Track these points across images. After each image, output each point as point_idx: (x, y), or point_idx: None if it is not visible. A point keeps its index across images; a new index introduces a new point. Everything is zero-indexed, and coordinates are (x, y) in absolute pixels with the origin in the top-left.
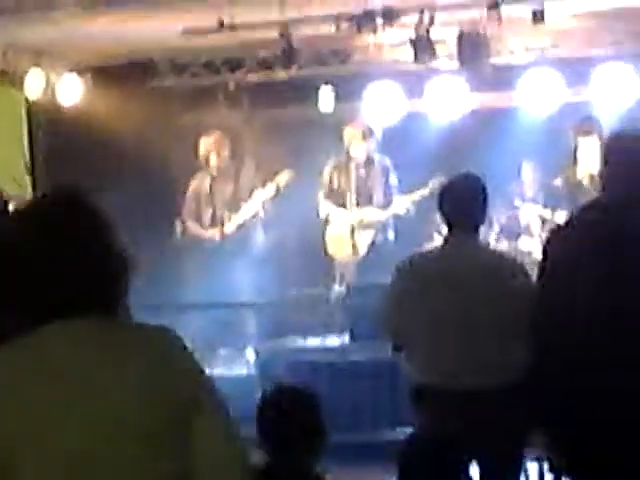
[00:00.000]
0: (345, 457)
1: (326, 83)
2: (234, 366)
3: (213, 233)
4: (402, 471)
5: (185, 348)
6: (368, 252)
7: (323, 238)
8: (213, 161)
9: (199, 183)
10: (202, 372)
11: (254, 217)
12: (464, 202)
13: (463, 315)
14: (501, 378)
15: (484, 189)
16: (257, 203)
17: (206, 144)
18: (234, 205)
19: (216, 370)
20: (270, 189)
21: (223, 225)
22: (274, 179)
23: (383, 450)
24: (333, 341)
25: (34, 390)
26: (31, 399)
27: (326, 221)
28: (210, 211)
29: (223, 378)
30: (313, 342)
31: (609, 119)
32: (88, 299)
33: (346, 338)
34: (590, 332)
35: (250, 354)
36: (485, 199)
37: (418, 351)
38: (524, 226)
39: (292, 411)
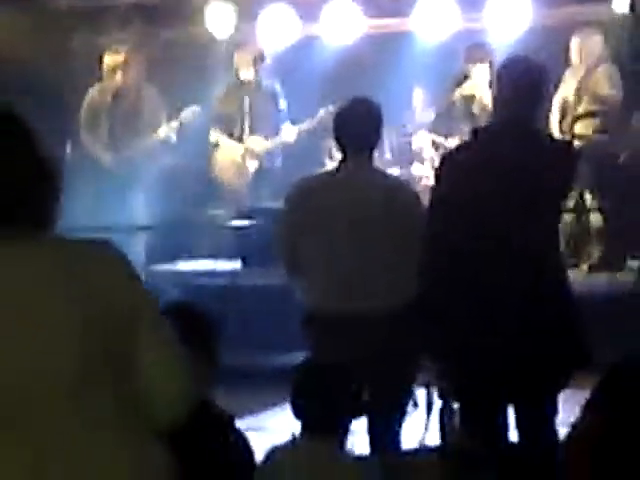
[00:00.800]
0: (233, 382)
1: (219, 3)
2: None
3: (108, 156)
4: (295, 398)
5: (126, 261)
6: (256, 178)
7: (212, 163)
8: (119, 77)
9: (99, 95)
10: (142, 284)
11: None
12: (360, 125)
13: (357, 241)
14: (391, 303)
15: (379, 113)
16: (159, 136)
17: (113, 59)
18: (133, 128)
19: None
20: (173, 126)
21: (120, 146)
22: (176, 113)
23: (272, 376)
24: (224, 265)
25: None
26: None
27: (215, 147)
28: (108, 126)
29: None
30: (204, 266)
31: (502, 46)
32: (17, 211)
33: (237, 263)
34: (481, 256)
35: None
36: (380, 123)
37: (312, 278)
38: (416, 152)
39: (183, 329)
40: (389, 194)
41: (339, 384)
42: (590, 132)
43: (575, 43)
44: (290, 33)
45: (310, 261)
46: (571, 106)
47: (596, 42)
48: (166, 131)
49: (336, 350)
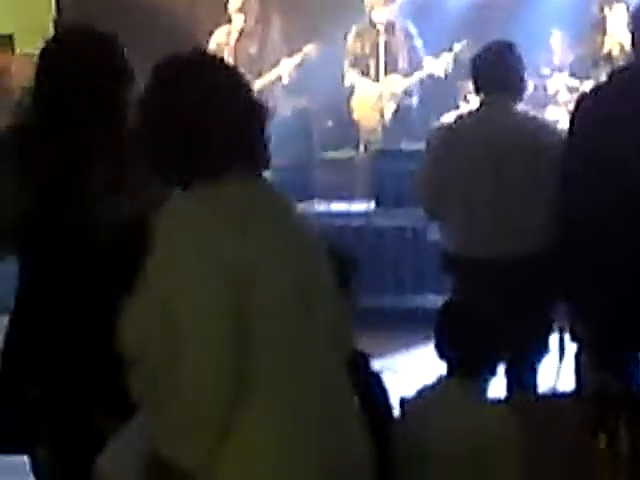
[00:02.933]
0: (367, 323)
1: None
2: None
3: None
4: (437, 339)
5: None
6: (393, 118)
7: (349, 104)
8: (240, 19)
9: (222, 38)
10: None
11: (277, 82)
12: (497, 67)
13: (499, 185)
14: (533, 247)
15: (518, 55)
16: (282, 71)
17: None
18: (257, 68)
19: None
20: (296, 60)
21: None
22: (301, 49)
23: (406, 317)
24: (359, 206)
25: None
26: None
27: (351, 89)
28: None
29: None
30: (338, 206)
31: None
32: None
33: (372, 204)
34: (622, 198)
35: None
36: (519, 66)
37: (455, 221)
38: (551, 95)
39: None
40: (531, 137)
41: (482, 324)
42: None
43: None
44: None
45: (453, 204)
46: None
47: None
48: (288, 66)
49: (478, 292)
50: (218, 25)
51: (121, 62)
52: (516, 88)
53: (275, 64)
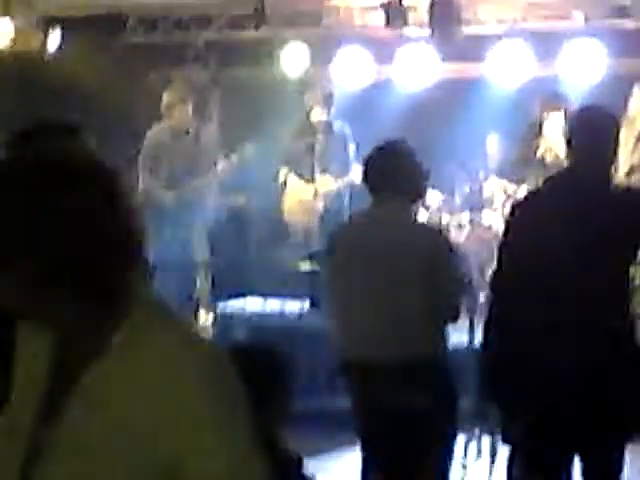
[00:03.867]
0: (300, 424)
1: (295, 44)
2: None
3: (170, 195)
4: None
5: None
6: (324, 219)
7: (280, 203)
8: (177, 114)
9: (158, 136)
10: None
11: (213, 181)
12: (383, 169)
13: (381, 291)
14: (421, 353)
15: (408, 156)
16: (218, 172)
17: (170, 96)
18: (193, 166)
19: None
20: (233, 160)
21: (180, 186)
22: (237, 150)
23: (339, 418)
24: (292, 306)
25: None
26: None
27: (284, 186)
28: (168, 168)
29: None
30: (272, 305)
31: (577, 94)
32: None
33: (306, 304)
34: (549, 304)
35: (206, 318)
36: (409, 167)
37: (340, 323)
38: (487, 199)
39: (255, 370)
40: (412, 239)
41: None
42: None
43: (636, 93)
44: (364, 75)
45: (338, 306)
46: (627, 156)
47: None
48: (225, 166)
49: (372, 398)
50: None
51: None
52: (406, 189)
53: (211, 164)
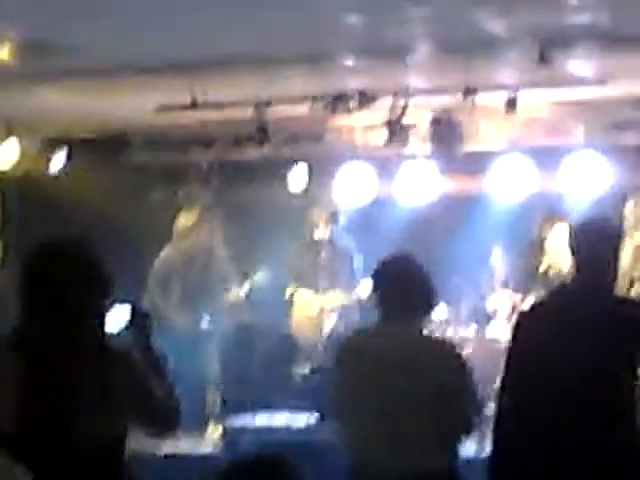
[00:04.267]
0: None
1: (297, 163)
2: (200, 444)
3: (181, 317)
4: None
5: None
6: (333, 334)
7: (289, 319)
8: (192, 238)
9: (172, 256)
10: None
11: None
12: (395, 285)
13: (388, 404)
14: (434, 467)
15: (419, 272)
16: (231, 299)
17: (186, 218)
18: (205, 289)
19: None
20: (245, 288)
21: (191, 308)
22: (249, 277)
23: None
24: (301, 420)
25: None
26: None
27: (291, 303)
28: (180, 287)
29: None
30: (281, 421)
31: (579, 207)
32: None
33: (313, 418)
34: (556, 418)
35: (215, 432)
36: (419, 282)
37: (349, 438)
38: (492, 311)
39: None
40: (424, 359)
41: None
42: None
43: (629, 206)
44: (367, 191)
45: (347, 421)
46: (627, 269)
47: None
48: (237, 294)
49: None
50: (159, 245)
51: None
52: (416, 303)
53: (223, 288)
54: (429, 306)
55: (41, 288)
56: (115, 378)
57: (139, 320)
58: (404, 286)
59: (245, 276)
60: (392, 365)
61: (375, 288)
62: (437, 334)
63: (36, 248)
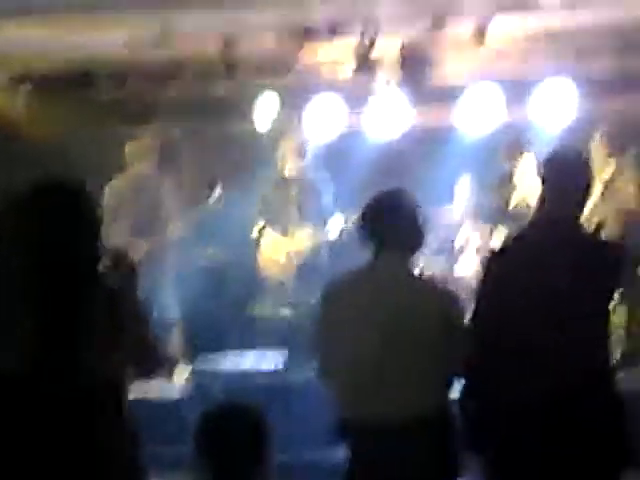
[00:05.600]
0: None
1: (266, 95)
2: (168, 388)
3: (135, 246)
4: None
5: None
6: (302, 272)
7: (256, 256)
8: (139, 166)
9: (119, 187)
10: None
11: (181, 233)
12: (388, 221)
13: (384, 346)
14: (424, 410)
15: (413, 207)
16: (186, 221)
17: (134, 147)
18: (157, 217)
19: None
20: (202, 207)
21: (145, 238)
22: (206, 196)
23: (324, 471)
24: (270, 359)
25: None
26: None
27: (259, 240)
28: (132, 219)
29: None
30: (251, 361)
31: (548, 138)
32: None
33: (282, 357)
34: (526, 355)
35: (183, 374)
36: (413, 218)
37: (340, 383)
38: (460, 246)
39: (236, 431)
40: (419, 298)
41: None
42: (615, 230)
43: (595, 141)
44: (336, 123)
45: (337, 365)
46: (593, 207)
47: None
48: (192, 213)
49: (373, 460)
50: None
51: None
52: (409, 241)
53: (177, 211)
54: (419, 243)
55: (36, 223)
56: (111, 314)
57: (122, 263)
58: (398, 223)
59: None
60: (388, 307)
61: (366, 224)
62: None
63: (34, 186)
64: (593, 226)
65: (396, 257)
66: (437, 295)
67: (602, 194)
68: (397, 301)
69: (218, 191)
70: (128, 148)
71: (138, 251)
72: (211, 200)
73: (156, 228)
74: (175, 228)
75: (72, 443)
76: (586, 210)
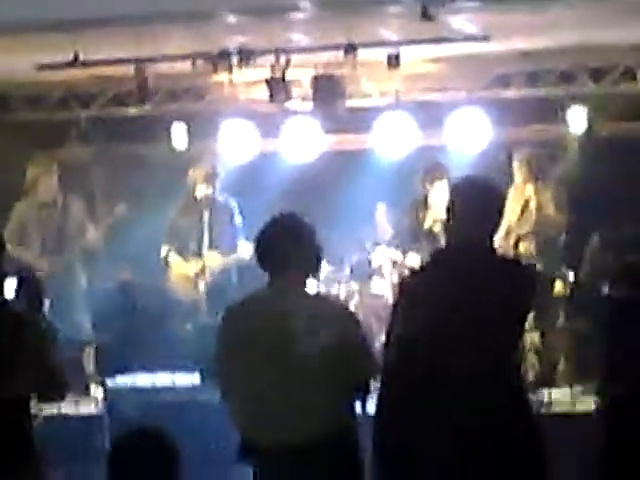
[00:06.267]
0: None
1: (179, 120)
2: (81, 405)
3: (44, 262)
4: None
5: None
6: (212, 293)
7: (165, 277)
8: (41, 187)
9: (25, 209)
10: None
11: (88, 252)
12: (277, 245)
13: (277, 369)
14: (320, 435)
15: (301, 230)
16: (91, 238)
17: (34, 169)
18: (63, 237)
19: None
20: (108, 221)
21: (52, 256)
22: (110, 215)
23: None
24: (183, 379)
25: None
26: None
27: (167, 262)
28: (38, 241)
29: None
30: (163, 379)
31: (460, 163)
32: None
33: (195, 378)
34: (439, 380)
35: (97, 392)
36: (303, 241)
37: (237, 406)
38: (375, 268)
39: (147, 458)
40: (311, 319)
41: None
42: (532, 252)
43: (517, 161)
44: (249, 148)
45: (235, 388)
46: (514, 225)
47: (540, 161)
48: (94, 234)
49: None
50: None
51: None
52: (302, 265)
53: (81, 233)
54: (315, 265)
55: None
56: (17, 340)
57: (28, 286)
58: (289, 248)
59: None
60: (283, 329)
61: (259, 251)
62: (321, 291)
63: None
64: (511, 245)
65: (289, 279)
66: (333, 315)
67: (521, 214)
68: (290, 323)
69: (122, 209)
70: (30, 171)
71: (45, 268)
72: (114, 219)
73: (64, 246)
74: (84, 246)
75: None
76: (502, 231)
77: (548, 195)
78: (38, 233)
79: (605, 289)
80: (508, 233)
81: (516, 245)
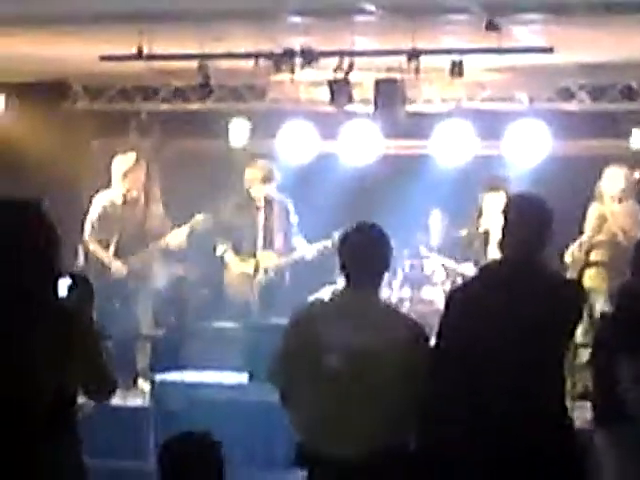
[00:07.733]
0: None
1: (240, 117)
2: (129, 397)
3: (119, 267)
4: None
5: None
6: (265, 293)
7: (223, 275)
8: (127, 183)
9: (107, 204)
10: None
11: (161, 251)
12: (364, 254)
13: (350, 382)
14: (383, 449)
15: (386, 241)
16: (169, 242)
17: (122, 163)
18: (141, 236)
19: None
20: (183, 232)
21: (128, 253)
22: (188, 221)
23: None
24: (231, 378)
25: None
26: None
27: (223, 260)
28: (117, 237)
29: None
30: (211, 377)
31: (519, 174)
32: None
33: (244, 376)
34: (484, 395)
35: (145, 385)
36: (386, 252)
37: (301, 415)
38: (428, 275)
39: (195, 465)
40: (390, 333)
41: None
42: (604, 259)
43: (606, 176)
44: (308, 149)
45: (301, 394)
46: (589, 235)
47: (622, 177)
48: (175, 238)
49: None
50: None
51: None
52: (379, 275)
53: (160, 234)
54: (383, 274)
55: None
56: (67, 336)
57: (80, 287)
58: (378, 254)
59: (185, 221)
60: (361, 339)
61: (341, 256)
62: None
63: None
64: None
65: (369, 287)
66: (407, 330)
67: (597, 224)
68: (368, 334)
69: (201, 219)
70: (118, 163)
71: (121, 269)
72: (192, 225)
73: (143, 245)
74: (159, 246)
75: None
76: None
77: (625, 209)
78: (118, 230)
79: None
80: (583, 242)
81: (587, 253)
